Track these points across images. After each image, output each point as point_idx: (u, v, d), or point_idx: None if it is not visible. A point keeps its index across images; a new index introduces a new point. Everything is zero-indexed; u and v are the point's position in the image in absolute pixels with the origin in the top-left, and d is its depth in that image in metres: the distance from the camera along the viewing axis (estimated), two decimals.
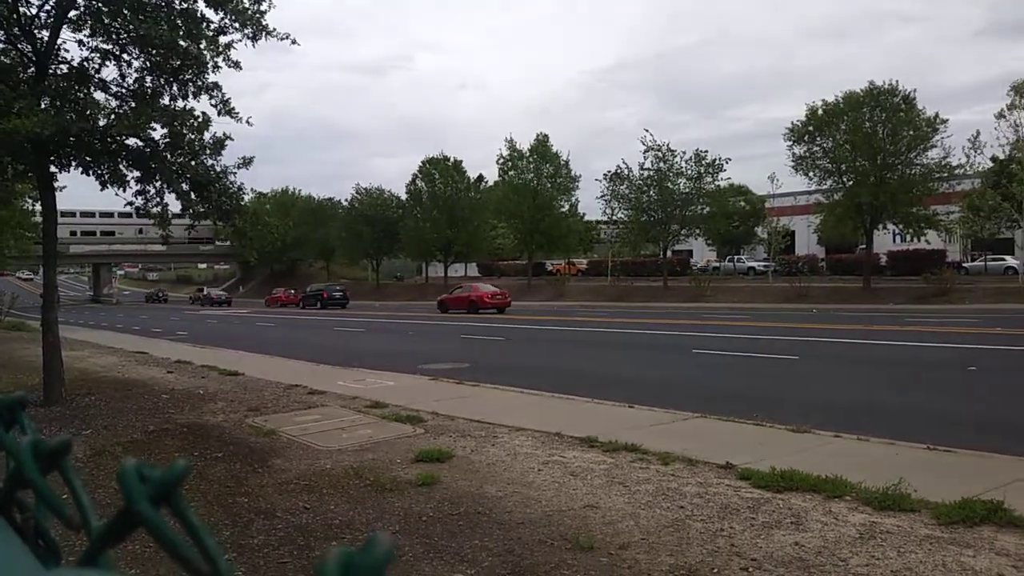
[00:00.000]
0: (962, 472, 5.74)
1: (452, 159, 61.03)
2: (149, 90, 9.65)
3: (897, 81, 37.86)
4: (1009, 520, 4.48)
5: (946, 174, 37.65)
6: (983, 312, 28.24)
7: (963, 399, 9.82)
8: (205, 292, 68.74)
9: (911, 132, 36.99)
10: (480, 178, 65.68)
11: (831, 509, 4.91)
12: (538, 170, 53.71)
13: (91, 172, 9.87)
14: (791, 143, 40.57)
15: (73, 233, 78.49)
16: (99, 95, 9.69)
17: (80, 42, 9.52)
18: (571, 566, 4.10)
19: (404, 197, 64.51)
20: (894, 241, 45.19)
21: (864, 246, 41.61)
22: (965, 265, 44.21)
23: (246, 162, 10.44)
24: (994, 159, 38.60)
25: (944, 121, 37.04)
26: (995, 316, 25.50)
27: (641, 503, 5.17)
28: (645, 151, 46.25)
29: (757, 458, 6.11)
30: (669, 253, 50.42)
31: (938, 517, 4.60)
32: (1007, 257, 42.43)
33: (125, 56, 9.63)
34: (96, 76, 9.62)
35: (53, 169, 9.74)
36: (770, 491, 5.30)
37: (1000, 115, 36.04)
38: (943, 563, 3.98)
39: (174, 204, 10.38)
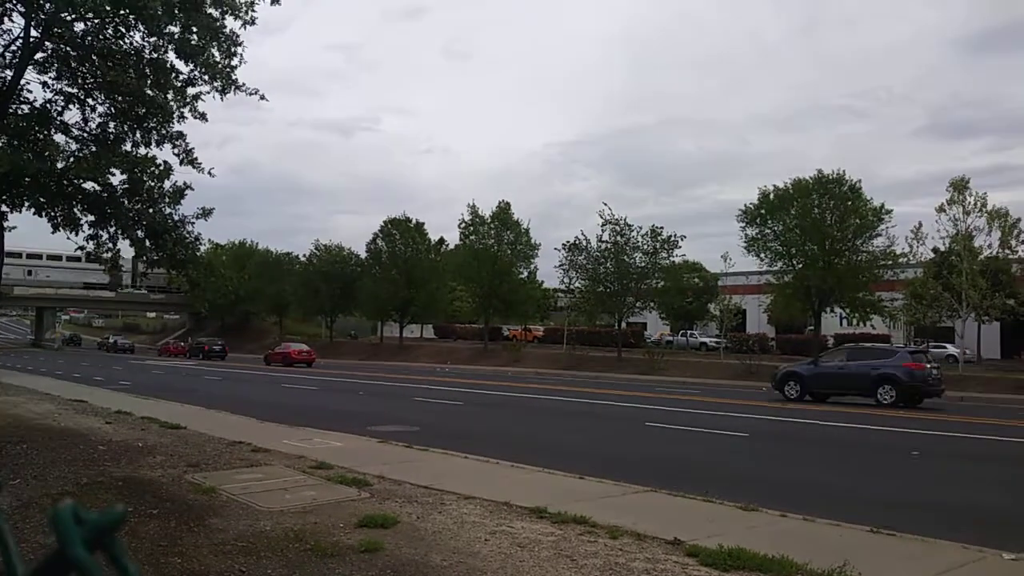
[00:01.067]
0: (905, 556, 5.78)
1: (414, 221, 61.46)
2: (112, 135, 9.59)
3: (844, 171, 39.64)
4: None
5: (890, 262, 39.11)
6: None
7: (907, 483, 9.96)
8: (111, 340, 78.76)
9: (858, 220, 38.49)
10: (441, 241, 66.13)
11: None
12: (499, 236, 54.28)
13: (44, 213, 9.67)
14: (743, 224, 41.86)
15: (29, 272, 76.51)
16: (59, 137, 9.59)
17: (44, 84, 9.46)
18: None
19: (363, 255, 64.42)
20: (840, 324, 46.43)
21: (812, 327, 42.64)
22: None
23: (205, 212, 10.35)
24: (935, 250, 40.25)
25: (889, 211, 38.75)
26: (935, 403, 26.11)
27: None
28: (603, 224, 47.25)
29: (705, 535, 6.08)
30: (624, 324, 50.94)
31: None
32: (948, 345, 43.80)
33: (90, 100, 9.59)
34: (58, 118, 9.54)
35: (4, 208, 9.53)
36: (717, 569, 5.25)
37: (940, 209, 37.73)
38: None
39: (127, 251, 10.20)
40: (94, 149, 9.40)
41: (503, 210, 54.57)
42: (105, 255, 10.22)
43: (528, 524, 6.49)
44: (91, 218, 9.84)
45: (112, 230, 9.90)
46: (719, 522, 6.71)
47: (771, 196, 40.92)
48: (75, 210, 9.76)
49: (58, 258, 75.82)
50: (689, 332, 57.95)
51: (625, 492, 8.10)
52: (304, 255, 71.07)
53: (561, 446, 12.54)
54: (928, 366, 22.72)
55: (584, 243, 48.29)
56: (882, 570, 5.15)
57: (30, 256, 76.44)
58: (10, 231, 9.95)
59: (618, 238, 46.87)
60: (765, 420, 17.91)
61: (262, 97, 10.18)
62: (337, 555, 5.42)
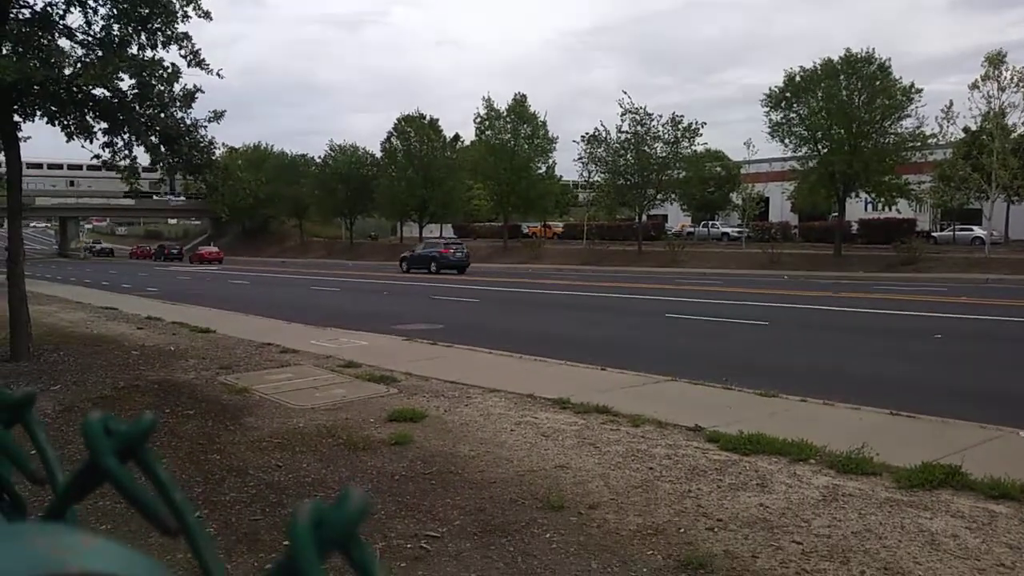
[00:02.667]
0: (923, 437, 5.89)
1: (428, 117, 60.37)
2: (116, 39, 9.34)
3: (873, 49, 38.03)
4: (966, 484, 4.61)
5: (919, 144, 38.02)
6: (950, 281, 28.79)
7: (927, 366, 10.05)
8: (95, 246, 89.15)
9: (886, 101, 37.22)
10: (456, 137, 65.06)
11: (796, 472, 5.02)
12: (515, 131, 53.26)
13: (56, 122, 9.58)
14: (768, 109, 40.70)
15: (54, 186, 77.06)
16: (64, 42, 9.38)
17: None
18: (541, 525, 4.16)
19: (379, 155, 63.75)
20: (866, 210, 45.72)
21: (836, 214, 42.06)
22: (934, 235, 44.92)
23: (217, 115, 10.20)
24: (966, 130, 39.00)
25: (919, 91, 37.36)
26: (961, 285, 25.99)
27: (611, 464, 5.24)
28: (623, 114, 46.11)
29: (726, 421, 6.22)
30: (644, 217, 50.57)
31: (898, 481, 4.73)
32: (975, 228, 43.14)
33: (91, 2, 9.30)
34: (61, 22, 9.29)
35: (17, 119, 9.45)
36: (737, 454, 5.40)
37: (974, 86, 36.31)
38: (901, 525, 4.11)
39: (143, 157, 10.15)
40: (100, 53, 9.19)
41: (519, 103, 53.30)
42: (122, 163, 10.19)
43: (552, 415, 6.67)
44: (104, 125, 9.75)
45: (126, 136, 9.81)
46: (739, 409, 6.85)
47: (797, 78, 39.54)
48: (87, 118, 9.65)
49: (78, 167, 76.02)
50: (711, 223, 57.43)
51: (646, 382, 8.26)
52: (319, 157, 70.52)
53: (582, 340, 12.72)
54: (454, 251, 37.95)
55: (603, 134, 47.33)
56: (900, 450, 5.27)
57: (51, 166, 76.68)
58: (25, 141, 9.90)
59: (638, 128, 45.86)
60: (785, 308, 17.96)
61: None
62: (369, 448, 5.63)
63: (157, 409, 6.97)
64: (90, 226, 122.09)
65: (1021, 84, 35.61)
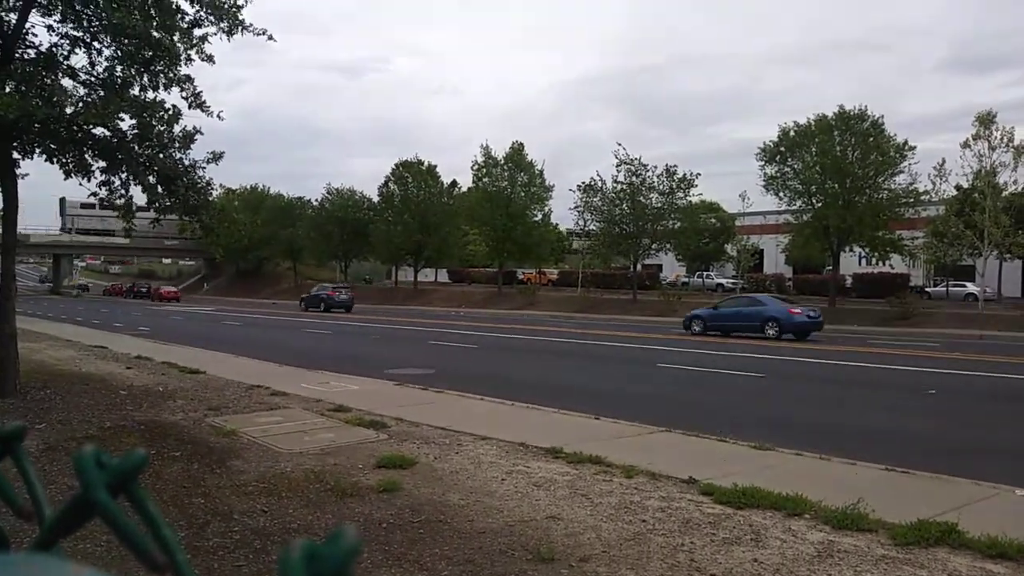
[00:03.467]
0: (919, 493, 5.83)
1: (426, 163, 60.92)
2: (119, 80, 9.47)
3: (866, 106, 38.76)
4: (962, 542, 4.55)
5: (912, 200, 38.50)
6: (944, 336, 28.86)
7: (922, 421, 10.00)
8: (80, 284, 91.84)
9: (880, 157, 37.79)
10: (454, 183, 65.64)
11: (790, 527, 4.95)
12: (512, 178, 53.79)
13: (55, 160, 9.66)
14: (763, 163, 41.22)
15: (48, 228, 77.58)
16: (67, 82, 9.50)
17: (49, 27, 9.33)
18: None
19: (376, 199, 64.21)
20: (860, 264, 46.05)
21: (831, 267, 42.33)
22: (928, 290, 45.20)
23: (216, 157, 10.29)
24: (958, 187, 39.55)
25: (912, 148, 37.98)
26: (955, 341, 26.06)
27: (603, 516, 5.16)
28: (618, 164, 46.67)
29: (720, 474, 6.15)
30: (639, 267, 50.81)
31: (894, 537, 4.66)
32: (968, 284, 43.42)
33: (96, 44, 9.45)
34: (65, 63, 9.43)
35: (16, 156, 9.51)
36: (731, 507, 5.33)
37: (965, 144, 36.89)
38: None
39: (140, 197, 10.19)
40: (102, 93, 9.31)
41: (516, 151, 53.95)
42: (118, 201, 10.23)
43: (544, 464, 6.59)
44: (102, 164, 9.82)
45: (124, 176, 9.88)
46: (733, 461, 6.78)
47: (791, 133, 40.18)
48: (86, 156, 9.73)
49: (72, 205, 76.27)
50: (705, 273, 57.69)
51: (640, 432, 8.19)
52: (316, 199, 70.97)
53: (576, 387, 12.66)
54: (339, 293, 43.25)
55: (599, 184, 47.81)
56: (896, 506, 5.21)
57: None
58: (23, 178, 9.95)
59: (633, 178, 46.37)
60: (780, 360, 17.95)
61: (270, 37, 10.01)
62: (357, 495, 5.54)
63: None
64: (83, 264, 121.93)
65: (1010, 144, 36.27)
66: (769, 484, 5.69)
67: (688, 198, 46.88)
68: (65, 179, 9.87)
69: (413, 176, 60.05)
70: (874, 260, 41.07)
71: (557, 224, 59.23)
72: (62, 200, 79.28)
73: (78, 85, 9.57)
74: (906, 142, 38.07)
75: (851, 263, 45.62)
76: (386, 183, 61.87)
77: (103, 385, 11.19)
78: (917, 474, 6.41)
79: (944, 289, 45.06)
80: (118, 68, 9.51)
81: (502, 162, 54.07)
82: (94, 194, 10.16)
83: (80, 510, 0.46)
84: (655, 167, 46.50)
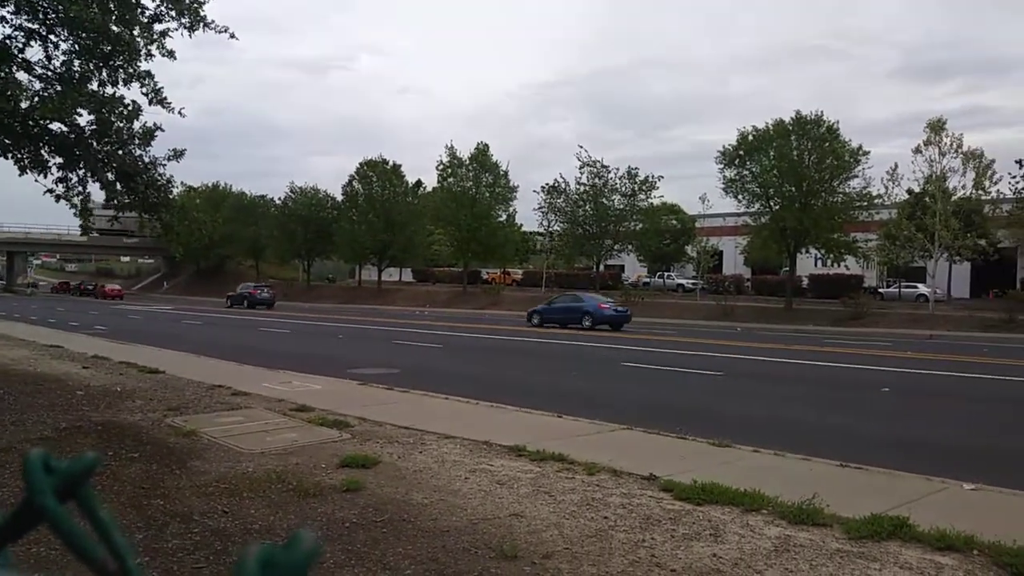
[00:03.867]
0: (872, 488, 5.97)
1: (391, 162, 60.58)
2: (77, 74, 9.26)
3: (822, 112, 39.57)
4: (913, 535, 4.68)
5: (866, 203, 39.39)
6: (896, 336, 29.55)
7: (876, 418, 10.24)
8: (31, 281, 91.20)
9: (835, 161, 38.59)
10: (419, 183, 65.38)
11: (748, 522, 5.04)
12: (477, 179, 53.76)
13: (10, 156, 9.41)
14: (722, 166, 41.82)
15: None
16: (22, 76, 9.26)
17: (2, 19, 9.09)
18: (494, 575, 4.09)
19: (340, 198, 63.63)
20: (815, 265, 46.95)
21: (788, 268, 43.10)
22: (881, 291, 46.24)
23: (177, 154, 10.13)
24: (910, 191, 40.54)
25: (866, 152, 38.88)
26: (907, 340, 26.70)
27: (566, 513, 5.20)
28: (581, 166, 46.99)
29: (679, 470, 6.24)
30: (602, 267, 51.15)
31: (848, 531, 4.78)
32: (919, 285, 44.53)
33: (52, 37, 9.23)
34: (19, 56, 9.19)
35: None
36: (691, 503, 5.41)
37: (917, 150, 37.88)
38: None
39: (97, 194, 9.98)
40: (59, 88, 9.09)
41: (481, 152, 53.93)
42: (75, 198, 9.99)
43: (507, 462, 6.62)
44: (59, 160, 9.59)
45: (81, 172, 9.66)
46: (693, 458, 6.88)
47: (750, 137, 40.82)
48: (42, 152, 9.50)
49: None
50: (666, 274, 58.31)
51: (601, 430, 8.26)
52: (279, 198, 70.09)
53: (539, 386, 12.71)
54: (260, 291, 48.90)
55: (563, 186, 48.13)
56: (850, 501, 5.33)
57: None
58: None
59: (596, 180, 46.72)
60: (739, 359, 18.22)
61: (232, 35, 9.87)
62: (319, 495, 5.50)
63: (100, 451, 6.69)
64: (39, 262, 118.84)
65: (960, 150, 37.32)
66: (728, 480, 5.79)
67: (650, 200, 47.49)
68: (20, 175, 9.61)
69: (377, 175, 59.67)
70: (829, 262, 41.95)
71: (522, 224, 59.37)
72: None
73: (34, 79, 9.34)
74: (860, 147, 39.00)
75: (807, 264, 46.53)
76: (350, 182, 61.42)
77: (59, 385, 10.93)
78: (871, 470, 6.57)
79: (896, 290, 46.18)
80: (76, 62, 9.30)
81: (467, 162, 54.01)
82: (50, 191, 9.91)
83: (26, 516, 0.45)
84: (617, 169, 46.98)
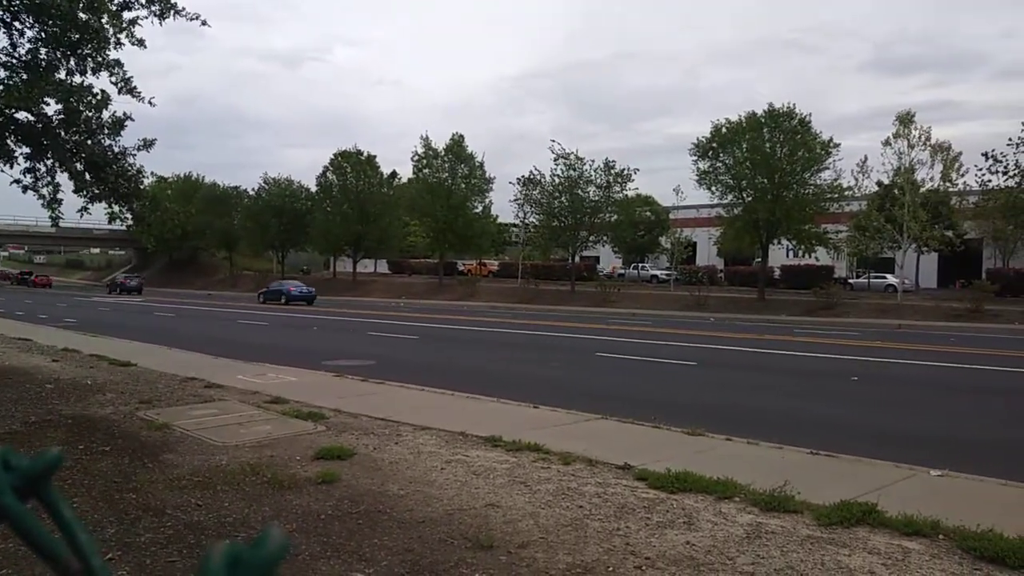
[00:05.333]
0: (842, 475, 6.08)
1: (366, 153, 60.14)
2: (43, 62, 9.08)
3: (794, 104, 39.90)
4: (881, 521, 4.78)
5: (836, 195, 39.88)
6: (865, 326, 30.00)
7: (846, 407, 10.41)
8: None
9: (806, 154, 38.99)
10: (394, 174, 65.01)
11: (721, 510, 5.11)
12: (453, 170, 53.57)
13: None
14: (696, 158, 42.08)
15: None
16: None
17: None
18: (470, 565, 4.11)
19: (314, 189, 63.09)
20: (787, 256, 47.50)
21: (760, 259, 43.53)
22: (850, 281, 46.90)
23: (147, 144, 9.98)
24: (879, 183, 41.12)
25: (837, 145, 39.30)
26: (876, 330, 27.13)
27: (541, 502, 5.23)
28: (555, 159, 47.03)
29: (654, 459, 6.30)
30: (577, 258, 51.29)
31: (818, 518, 4.86)
32: (888, 276, 45.24)
33: (17, 24, 9.03)
34: None
35: None
36: (665, 491, 5.47)
37: (886, 142, 38.41)
38: (821, 562, 4.21)
39: (67, 184, 9.81)
40: (25, 77, 8.90)
41: (457, 143, 53.71)
42: (43, 189, 9.81)
43: (483, 452, 6.64)
44: (26, 150, 9.40)
45: (49, 163, 9.49)
46: (667, 447, 6.95)
47: (723, 130, 41.09)
48: (8, 142, 9.30)
49: None
50: (640, 265, 58.62)
51: (577, 420, 8.31)
52: (252, 189, 69.33)
53: (515, 377, 12.74)
54: (128, 280, 62.72)
55: (538, 177, 48.14)
56: (820, 488, 5.43)
57: None
58: None
59: (571, 172, 46.78)
60: (712, 349, 18.40)
61: (204, 22, 9.73)
62: (294, 487, 5.49)
63: (70, 445, 6.64)
64: (5, 254, 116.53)
65: (928, 143, 37.91)
66: (701, 468, 5.86)
67: (624, 192, 47.61)
68: None
69: (352, 166, 59.21)
70: (801, 252, 42.47)
71: (497, 216, 59.29)
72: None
73: None
74: (831, 139, 39.45)
75: (779, 255, 47.08)
76: (324, 173, 60.92)
77: (27, 378, 10.76)
78: (840, 457, 6.69)
79: (866, 280, 46.89)
80: (42, 50, 9.11)
81: (442, 153, 53.77)
82: (17, 181, 9.72)
83: None
84: (593, 161, 47.10)
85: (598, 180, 46.69)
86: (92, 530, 4.46)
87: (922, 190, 38.77)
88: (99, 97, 9.19)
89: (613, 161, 46.54)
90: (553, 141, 60.75)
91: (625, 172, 46.40)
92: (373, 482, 5.69)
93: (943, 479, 6.02)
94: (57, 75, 9.09)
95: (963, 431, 8.87)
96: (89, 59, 9.21)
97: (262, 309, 36.17)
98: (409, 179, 59.91)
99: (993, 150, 40.10)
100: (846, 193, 40.09)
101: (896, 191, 38.83)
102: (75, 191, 9.74)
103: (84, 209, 10.23)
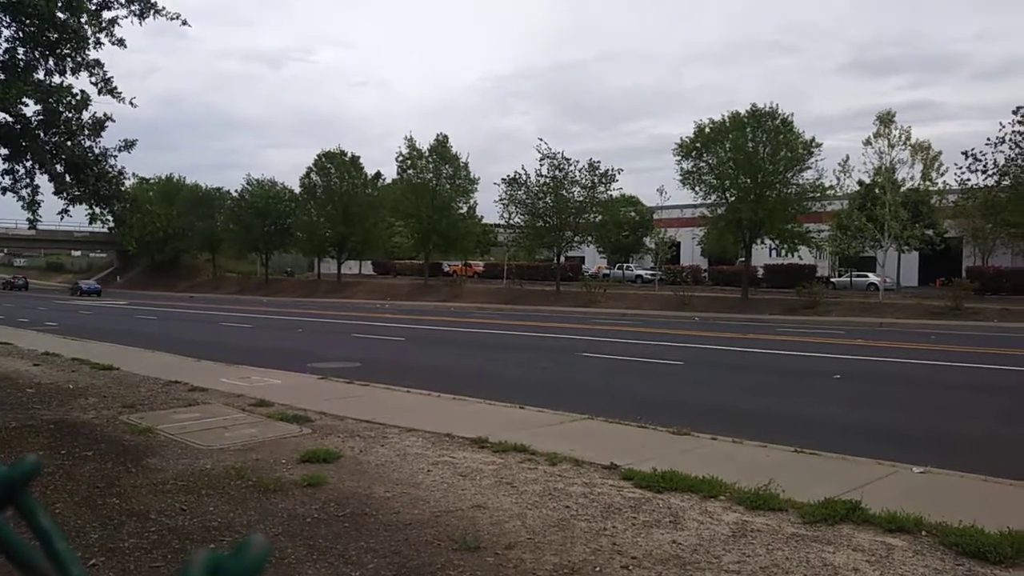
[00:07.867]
0: (826, 473, 6.12)
1: (350, 154, 59.87)
2: (22, 62, 8.96)
3: (777, 104, 40.16)
4: (865, 518, 4.81)
5: (818, 195, 40.17)
6: (847, 324, 30.24)
7: (828, 405, 10.48)
8: None
9: (789, 153, 39.24)
10: (378, 175, 64.75)
11: (707, 508, 5.13)
12: (437, 170, 53.41)
13: None
14: (680, 158, 42.21)
15: None
16: None
17: None
18: (457, 566, 4.10)
19: (297, 191, 62.78)
20: (770, 255, 47.76)
21: (743, 259, 43.77)
22: (833, 280, 47.26)
23: (128, 145, 9.86)
24: (860, 183, 41.46)
25: (819, 145, 39.56)
26: (858, 328, 27.35)
27: (528, 503, 5.23)
28: (541, 159, 47.05)
29: (640, 459, 6.31)
30: (562, 259, 51.35)
31: (803, 516, 4.90)
32: (870, 274, 45.62)
33: None
34: None
35: None
36: (651, 491, 5.48)
37: (867, 142, 38.73)
38: (807, 559, 4.24)
39: (46, 186, 9.69)
40: (2, 77, 8.78)
41: (441, 143, 53.56)
42: (23, 191, 9.69)
43: (470, 454, 6.63)
44: (4, 151, 9.28)
45: (29, 164, 9.37)
46: (652, 446, 6.97)
47: (707, 130, 41.26)
48: None
49: None
50: (625, 265, 58.76)
51: (563, 420, 8.31)
52: (235, 190, 68.84)
53: (501, 378, 12.73)
54: (15, 279, 77.51)
55: (523, 178, 48.08)
56: (804, 486, 5.46)
57: None
58: None
59: (556, 172, 46.82)
60: (697, 348, 18.48)
61: (184, 22, 9.64)
62: (280, 490, 5.45)
63: (52, 451, 6.57)
64: None
65: (908, 142, 38.28)
66: (686, 468, 5.88)
67: (609, 192, 47.71)
68: None
69: (336, 167, 58.94)
70: (783, 252, 42.70)
71: (482, 217, 59.21)
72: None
73: None
74: (813, 139, 39.70)
75: (762, 255, 47.35)
76: (308, 174, 60.56)
77: (8, 383, 10.63)
78: (824, 455, 6.73)
79: (848, 279, 47.25)
80: (20, 50, 8.99)
81: (427, 154, 53.61)
82: None
83: None
84: (577, 161, 47.16)
85: (583, 180, 46.78)
86: (75, 536, 4.41)
87: (903, 189, 39.13)
88: (79, 98, 9.08)
89: (598, 161, 46.63)
90: (541, 140, 60.84)
91: (609, 172, 46.50)
92: (359, 485, 5.67)
93: (925, 476, 6.08)
94: (36, 75, 8.98)
95: (945, 428, 8.96)
96: (68, 59, 9.10)
97: (245, 311, 35.90)
98: (393, 180, 59.65)
99: (973, 149, 40.52)
100: (828, 192, 40.38)
101: (877, 190, 39.17)
102: (55, 193, 9.61)
103: (65, 211, 10.11)
